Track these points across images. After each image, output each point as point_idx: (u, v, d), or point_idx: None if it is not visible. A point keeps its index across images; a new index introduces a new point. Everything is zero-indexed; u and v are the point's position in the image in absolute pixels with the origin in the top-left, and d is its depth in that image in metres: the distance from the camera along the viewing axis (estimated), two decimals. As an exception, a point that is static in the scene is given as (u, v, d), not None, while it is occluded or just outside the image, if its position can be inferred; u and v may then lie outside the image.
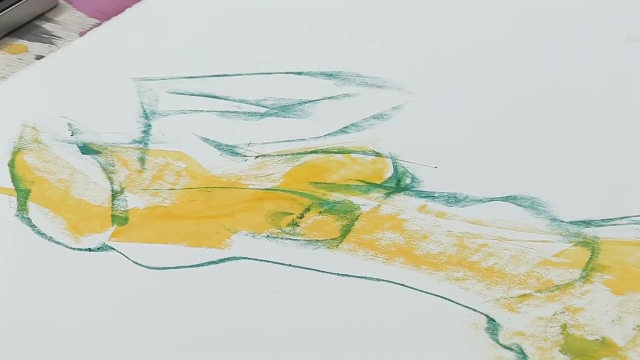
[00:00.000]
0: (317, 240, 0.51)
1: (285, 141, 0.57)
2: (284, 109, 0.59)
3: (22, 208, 0.53)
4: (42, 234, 0.52)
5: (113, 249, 0.51)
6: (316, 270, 0.49)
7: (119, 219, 0.53)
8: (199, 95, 0.61)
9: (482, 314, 0.47)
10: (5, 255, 0.51)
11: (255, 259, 0.50)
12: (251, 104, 0.60)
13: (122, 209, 0.53)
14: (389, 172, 0.55)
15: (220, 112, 0.59)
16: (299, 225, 0.52)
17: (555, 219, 0.51)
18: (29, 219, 0.53)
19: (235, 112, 0.59)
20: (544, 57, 0.62)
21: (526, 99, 0.59)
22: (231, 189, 0.54)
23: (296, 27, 0.66)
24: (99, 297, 0.49)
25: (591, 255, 0.49)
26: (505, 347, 0.45)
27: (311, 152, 0.56)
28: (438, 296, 0.48)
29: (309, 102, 0.60)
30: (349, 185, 0.54)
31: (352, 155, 0.56)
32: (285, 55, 0.63)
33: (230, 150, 0.57)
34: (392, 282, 0.49)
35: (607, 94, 0.59)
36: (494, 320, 0.46)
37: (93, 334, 0.47)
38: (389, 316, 0.47)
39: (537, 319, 0.46)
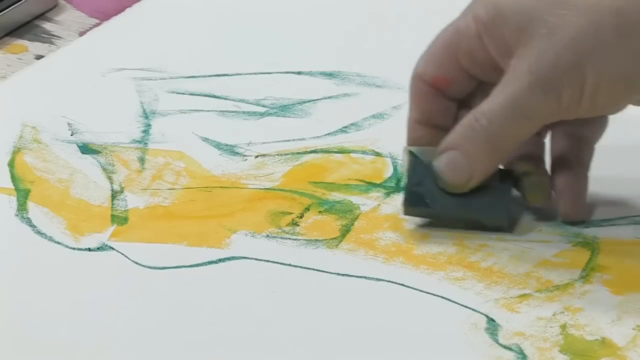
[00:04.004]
0: (316, 240, 0.51)
1: (285, 141, 0.57)
2: (283, 109, 0.59)
3: (22, 208, 0.53)
4: (42, 234, 0.52)
5: (113, 248, 0.51)
6: (316, 269, 0.49)
7: (119, 219, 0.53)
8: (199, 94, 0.61)
9: (482, 314, 0.47)
10: (5, 255, 0.51)
11: (255, 259, 0.50)
12: (251, 103, 0.60)
13: (122, 209, 0.53)
14: (389, 172, 0.55)
15: (220, 111, 0.59)
16: (298, 225, 0.52)
17: (555, 219, 0.51)
18: (28, 218, 0.53)
19: (235, 111, 0.59)
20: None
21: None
22: (231, 188, 0.54)
23: (296, 26, 0.66)
24: (98, 296, 0.49)
25: (591, 255, 0.49)
26: (505, 347, 0.45)
27: (311, 152, 0.56)
28: (438, 296, 0.48)
29: (309, 101, 0.60)
30: (349, 184, 0.54)
31: (352, 154, 0.55)
32: (285, 54, 0.63)
33: (230, 150, 0.57)
34: (392, 282, 0.49)
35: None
36: (493, 321, 0.46)
37: (93, 334, 0.47)
38: (389, 316, 0.47)
39: (536, 319, 0.46)
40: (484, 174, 0.49)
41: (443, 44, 0.50)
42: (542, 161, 0.51)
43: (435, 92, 0.50)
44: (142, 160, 0.56)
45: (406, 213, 0.51)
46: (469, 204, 0.50)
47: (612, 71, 0.46)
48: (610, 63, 0.46)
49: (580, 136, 0.51)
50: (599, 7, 0.45)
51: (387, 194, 0.53)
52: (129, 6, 0.69)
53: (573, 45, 0.46)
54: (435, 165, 0.50)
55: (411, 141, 0.51)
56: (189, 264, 0.50)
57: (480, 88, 0.50)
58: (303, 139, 0.57)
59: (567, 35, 0.46)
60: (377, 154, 0.56)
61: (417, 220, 0.51)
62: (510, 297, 0.47)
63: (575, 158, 0.51)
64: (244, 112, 0.59)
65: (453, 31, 0.49)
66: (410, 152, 0.51)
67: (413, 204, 0.50)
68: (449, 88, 0.50)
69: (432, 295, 0.48)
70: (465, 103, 0.51)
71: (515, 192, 0.51)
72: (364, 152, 0.56)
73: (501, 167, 0.50)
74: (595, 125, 0.51)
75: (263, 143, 0.57)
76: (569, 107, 0.47)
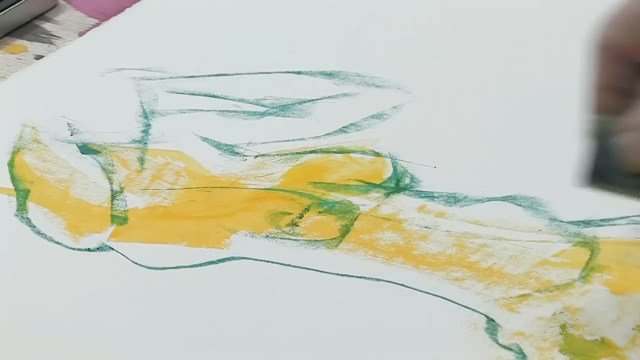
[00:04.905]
0: (316, 241, 0.51)
1: (285, 140, 0.57)
2: (283, 108, 0.59)
3: (21, 208, 0.53)
4: (41, 234, 0.52)
5: (112, 249, 0.51)
6: (315, 270, 0.49)
7: (119, 219, 0.53)
8: (199, 94, 0.61)
9: (482, 314, 0.47)
10: (5, 255, 0.51)
11: (255, 259, 0.50)
12: (251, 103, 0.60)
13: (122, 209, 0.53)
14: (389, 172, 0.55)
15: (220, 111, 0.59)
16: (298, 226, 0.52)
17: (554, 219, 0.51)
18: (28, 218, 0.53)
19: (235, 111, 0.59)
20: (543, 57, 0.62)
21: (526, 98, 0.59)
22: (231, 188, 0.54)
23: (296, 26, 0.66)
24: (98, 297, 0.49)
25: (590, 255, 0.49)
26: (504, 347, 0.45)
27: (311, 152, 0.56)
28: (437, 296, 0.48)
29: (309, 101, 0.60)
30: (349, 185, 0.54)
31: (352, 155, 0.55)
32: (285, 54, 0.63)
33: (230, 150, 0.57)
34: (391, 282, 0.49)
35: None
36: (493, 321, 0.46)
37: (92, 334, 0.47)
38: (388, 316, 0.47)
39: (536, 319, 0.46)
40: None
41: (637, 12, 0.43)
42: None
43: (623, 58, 0.44)
44: (141, 160, 0.56)
45: (589, 187, 0.45)
46: None
47: None
48: None
49: None
50: None
51: (387, 195, 0.53)
52: (129, 6, 0.69)
53: None
54: (616, 143, 0.43)
55: (596, 109, 0.45)
56: (189, 264, 0.50)
57: None
58: (303, 138, 0.57)
59: None
60: (377, 154, 0.55)
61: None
62: (510, 297, 0.47)
63: None
64: (243, 112, 0.59)
65: None
66: (593, 122, 0.44)
67: (592, 181, 0.44)
68: None
69: (432, 295, 0.48)
70: None
71: None
72: (363, 152, 0.56)
73: None
74: None
75: (263, 143, 0.57)
76: None
